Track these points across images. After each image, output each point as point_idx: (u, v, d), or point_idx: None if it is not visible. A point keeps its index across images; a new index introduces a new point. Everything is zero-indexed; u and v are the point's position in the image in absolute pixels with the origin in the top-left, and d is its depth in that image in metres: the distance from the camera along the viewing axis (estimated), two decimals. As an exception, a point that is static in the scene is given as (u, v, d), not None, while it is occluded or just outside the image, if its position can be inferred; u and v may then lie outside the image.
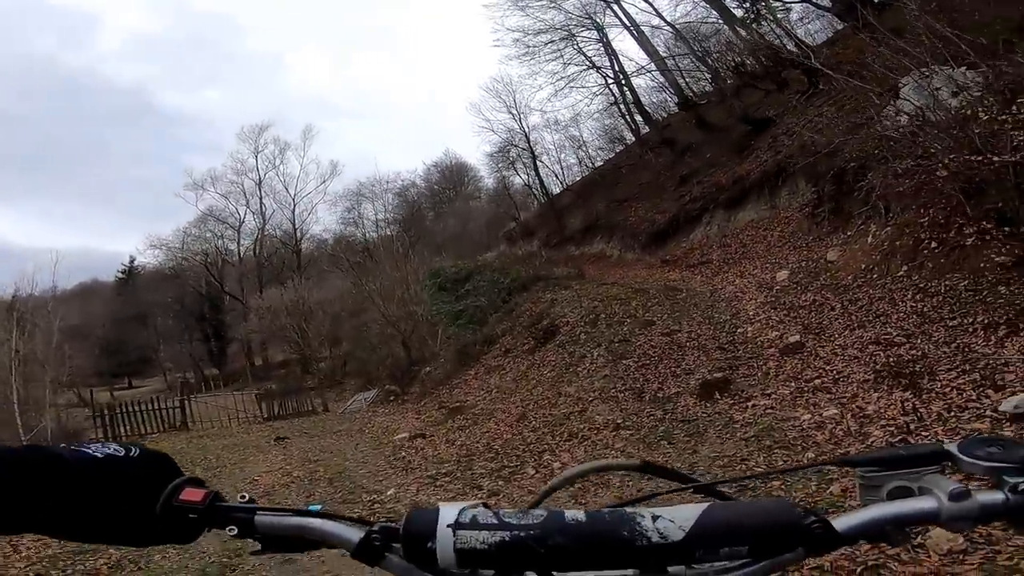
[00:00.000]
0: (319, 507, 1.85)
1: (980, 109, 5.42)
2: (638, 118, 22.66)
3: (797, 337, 6.78)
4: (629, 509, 0.49)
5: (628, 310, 9.75)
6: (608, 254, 17.61)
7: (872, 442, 4.21)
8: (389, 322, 15.48)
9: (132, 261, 39.27)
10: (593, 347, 8.71)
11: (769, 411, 5.59)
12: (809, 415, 5.13)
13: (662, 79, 20.39)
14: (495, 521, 0.47)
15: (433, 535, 0.47)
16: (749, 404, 5.86)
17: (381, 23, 72.17)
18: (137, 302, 35.28)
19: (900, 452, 0.51)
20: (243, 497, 0.57)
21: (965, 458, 0.48)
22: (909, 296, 5.94)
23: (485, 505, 0.51)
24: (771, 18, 16.63)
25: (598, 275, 14.24)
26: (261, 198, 35.23)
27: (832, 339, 6.33)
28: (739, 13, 17.08)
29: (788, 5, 17.17)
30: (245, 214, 35.36)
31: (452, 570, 0.48)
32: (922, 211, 6.25)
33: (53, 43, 64.32)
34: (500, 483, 5.71)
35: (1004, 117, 5.09)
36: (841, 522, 0.47)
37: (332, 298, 22.69)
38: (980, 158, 5.03)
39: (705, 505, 0.48)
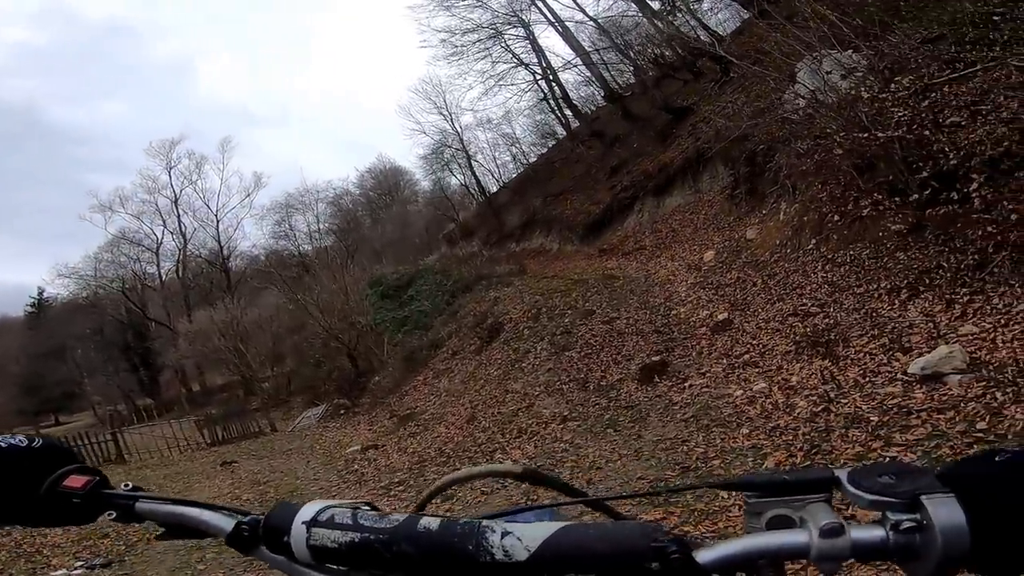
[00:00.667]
0: None
1: (863, 89, 5.87)
2: (567, 112, 23.05)
3: (725, 315, 7.10)
4: (486, 521, 0.47)
5: (569, 302, 9.95)
6: (548, 248, 17.86)
7: (798, 413, 4.47)
8: (332, 335, 15.11)
9: (41, 292, 36.47)
10: (536, 341, 8.83)
11: (705, 390, 5.81)
12: (741, 391, 5.37)
13: (588, 73, 20.82)
14: (349, 522, 0.48)
15: (288, 530, 0.48)
16: (686, 385, 6.08)
17: (297, 26, 69.41)
18: (52, 335, 32.60)
19: (785, 477, 0.45)
20: (127, 485, 0.60)
21: (851, 488, 0.43)
22: (819, 268, 6.38)
23: (370, 506, 0.52)
24: (685, 10, 17.31)
25: (539, 270, 14.42)
26: (179, 216, 33.36)
27: (756, 314, 6.70)
28: (656, 6, 17.65)
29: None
30: (163, 234, 33.39)
31: (307, 563, 0.49)
32: (823, 187, 6.71)
33: None
34: (453, 487, 5.70)
35: (885, 95, 5.54)
36: (706, 553, 0.42)
37: (269, 316, 21.86)
38: (868, 135, 5.45)
39: (560, 524, 0.45)
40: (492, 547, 0.44)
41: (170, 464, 13.27)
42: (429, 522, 0.47)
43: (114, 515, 0.58)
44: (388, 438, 9.01)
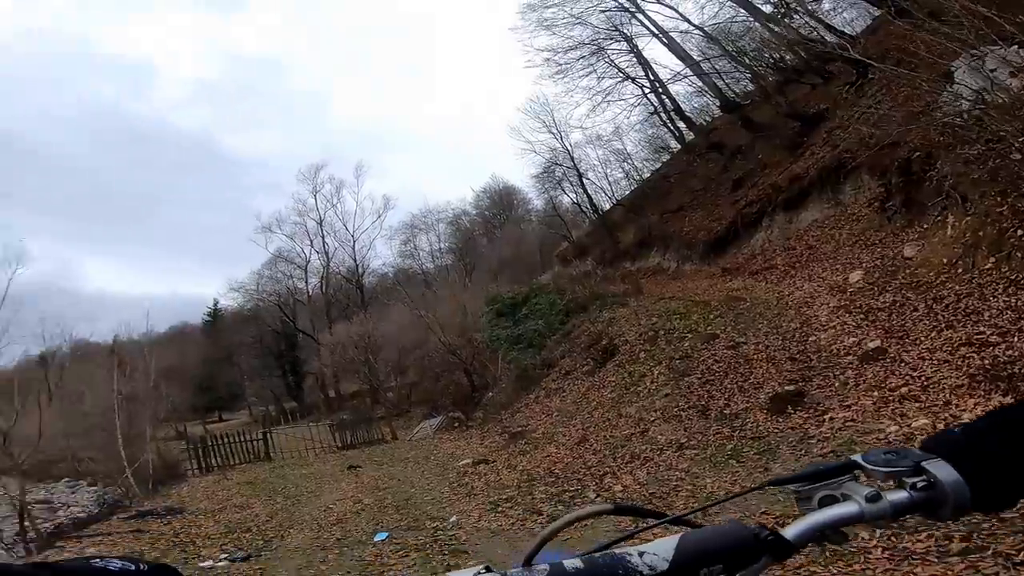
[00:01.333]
0: (386, 535, 4.17)
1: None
2: (681, 125, 22.07)
3: (878, 342, 6.24)
4: (617, 550, 0.53)
5: (689, 324, 9.37)
6: (665, 267, 17.10)
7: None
8: (450, 350, 15.65)
9: (216, 304, 41.90)
10: (653, 365, 8.40)
11: (849, 424, 5.16)
12: (896, 426, 4.68)
13: (700, 83, 19.84)
14: None
15: None
16: (826, 417, 5.43)
17: (415, 54, 74.08)
18: (223, 342, 37.50)
19: (820, 467, 0.59)
20: None
21: (870, 466, 0.57)
22: (1000, 290, 5.35)
23: (488, 568, 0.55)
24: (803, 11, 15.91)
25: (656, 290, 13.82)
26: (323, 237, 36.57)
27: (918, 342, 5.78)
28: (767, 9, 16.42)
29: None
30: (310, 253, 36.82)
31: None
32: (1001, 198, 5.65)
33: (113, 93, 69.22)
34: (560, 507, 5.55)
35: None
36: (789, 532, 0.55)
37: (396, 330, 23.25)
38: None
39: (677, 536, 0.54)
40: (638, 567, 0.52)
41: (306, 465, 14.48)
42: (573, 563, 0.53)
43: None
44: (498, 454, 9.04)
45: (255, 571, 5.52)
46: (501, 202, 37.52)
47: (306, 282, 36.94)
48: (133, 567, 0.56)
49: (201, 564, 5.95)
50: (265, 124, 70.57)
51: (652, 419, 6.80)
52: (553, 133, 24.21)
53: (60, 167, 59.88)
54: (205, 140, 65.77)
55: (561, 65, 21.55)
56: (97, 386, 15.00)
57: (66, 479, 18.82)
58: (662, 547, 0.53)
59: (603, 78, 21.60)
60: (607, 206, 25.19)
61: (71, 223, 60.86)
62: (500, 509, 6.11)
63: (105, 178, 62.52)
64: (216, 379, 36.84)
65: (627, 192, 24.98)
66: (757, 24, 16.72)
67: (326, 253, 36.67)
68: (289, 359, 36.50)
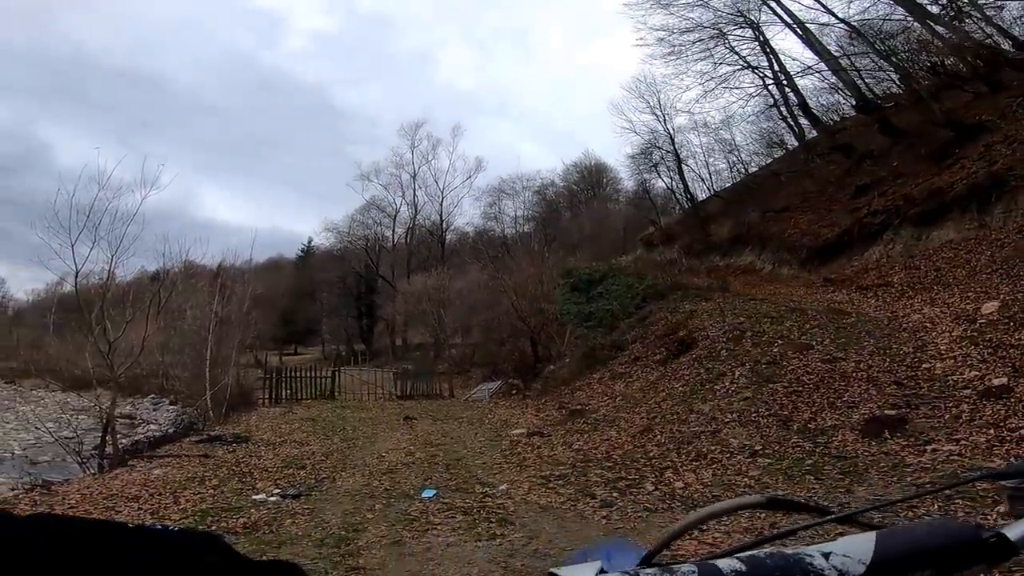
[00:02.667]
0: (433, 492, 4.01)
1: None
2: (803, 121, 20.24)
3: (1004, 380, 5.50)
4: (789, 551, 0.46)
5: (780, 330, 8.63)
6: (758, 267, 15.99)
7: None
8: (520, 317, 15.55)
9: (310, 242, 44.66)
10: (735, 365, 7.82)
11: (954, 458, 4.60)
12: (1010, 468, 4.02)
13: (834, 80, 17.98)
14: None
15: None
16: (928, 448, 4.86)
17: (520, 20, 73.30)
18: (310, 279, 39.86)
19: None
20: None
21: None
22: None
23: (602, 571, 0.49)
24: (979, 16, 13.81)
25: (745, 289, 12.94)
26: (415, 190, 38.00)
27: (1058, 388, 4.95)
28: (933, 9, 14.41)
29: (1001, 3, 14.09)
30: (400, 204, 38.41)
31: None
32: None
33: (252, 42, 75.38)
34: (615, 495, 5.27)
35: None
36: (1011, 532, 0.48)
37: (470, 288, 23.49)
38: None
39: (872, 535, 0.47)
40: (824, 570, 0.44)
41: (365, 409, 14.93)
42: (731, 564, 0.45)
43: None
44: (554, 429, 8.86)
45: (304, 510, 5.62)
46: (590, 178, 36.91)
47: (393, 231, 38.65)
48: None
49: (254, 496, 6.11)
50: (373, 79, 73.13)
51: (726, 420, 6.32)
52: (656, 115, 23.10)
53: (197, 105, 65.68)
54: (319, 91, 69.67)
55: (675, 46, 20.36)
56: (198, 307, 15.75)
57: (152, 395, 20.50)
58: (854, 547, 0.46)
59: (720, 64, 20.20)
60: (703, 196, 23.90)
61: (197, 154, 66.74)
62: (551, 485, 5.93)
63: (231, 119, 68.14)
64: (298, 313, 39.13)
65: (728, 184, 23.51)
66: (916, 24, 14.81)
67: (415, 206, 38.09)
68: (366, 302, 38.10)
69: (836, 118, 19.66)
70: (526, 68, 70.43)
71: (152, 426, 15.07)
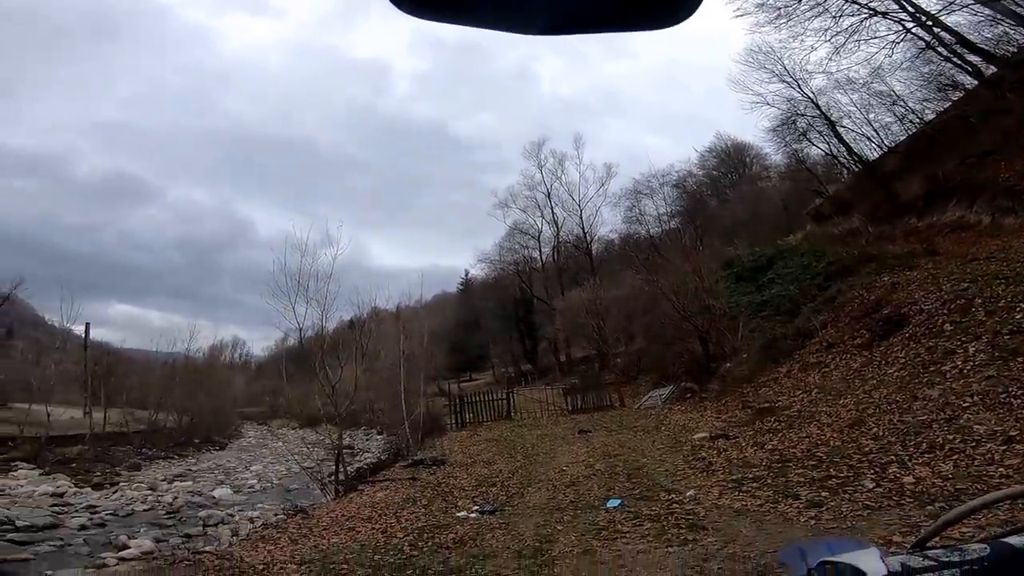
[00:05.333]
0: (619, 502, 5.57)
1: None
2: (972, 58, 16.48)
3: None
4: None
5: (1021, 292, 6.92)
6: (971, 222, 13.06)
7: None
8: (684, 316, 14.64)
9: (467, 274, 47.30)
10: (967, 340, 6.41)
11: None
12: None
13: (988, 11, 14.38)
14: (932, 563, 0.46)
15: None
16: None
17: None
18: (472, 308, 42.17)
19: None
20: None
21: None
22: None
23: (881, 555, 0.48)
24: None
25: (959, 250, 10.68)
26: (552, 208, 38.21)
27: None
28: None
29: None
30: (541, 224, 38.93)
31: None
32: None
33: (367, 92, 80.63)
34: (824, 494, 4.61)
35: None
36: None
37: (625, 295, 22.88)
38: None
39: None
40: None
41: (540, 426, 15.18)
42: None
43: None
44: (740, 430, 8.08)
45: (500, 524, 5.83)
46: (731, 160, 33.98)
47: (539, 251, 39.11)
48: None
49: (458, 514, 6.53)
50: (481, 107, 75.64)
51: (965, 405, 5.15)
52: (787, 82, 20.64)
53: (342, 162, 74.42)
54: (437, 128, 73.61)
55: (779, 9, 18.03)
56: (387, 346, 17.58)
57: (364, 427, 23.27)
58: None
59: (840, 16, 17.40)
60: (874, 155, 20.58)
61: (351, 208, 75.37)
62: (744, 488, 5.37)
63: (372, 169, 75.67)
64: (467, 341, 41.20)
65: (903, 138, 19.97)
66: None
67: (556, 223, 38.26)
68: (526, 323, 39.10)
69: (1012, 49, 15.72)
70: (627, 62, 67.42)
71: (367, 455, 17.24)
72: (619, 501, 5.85)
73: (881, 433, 5.45)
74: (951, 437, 4.71)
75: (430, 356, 19.86)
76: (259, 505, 10.72)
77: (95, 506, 10.13)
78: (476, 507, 6.66)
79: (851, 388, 7.25)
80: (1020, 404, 4.81)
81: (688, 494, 5.63)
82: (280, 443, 16.40)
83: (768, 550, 3.71)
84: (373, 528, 6.39)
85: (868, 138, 21.04)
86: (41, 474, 13.18)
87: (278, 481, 14.33)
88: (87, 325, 24.44)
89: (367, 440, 21.63)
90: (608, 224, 40.29)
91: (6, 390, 22.74)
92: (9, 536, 7.51)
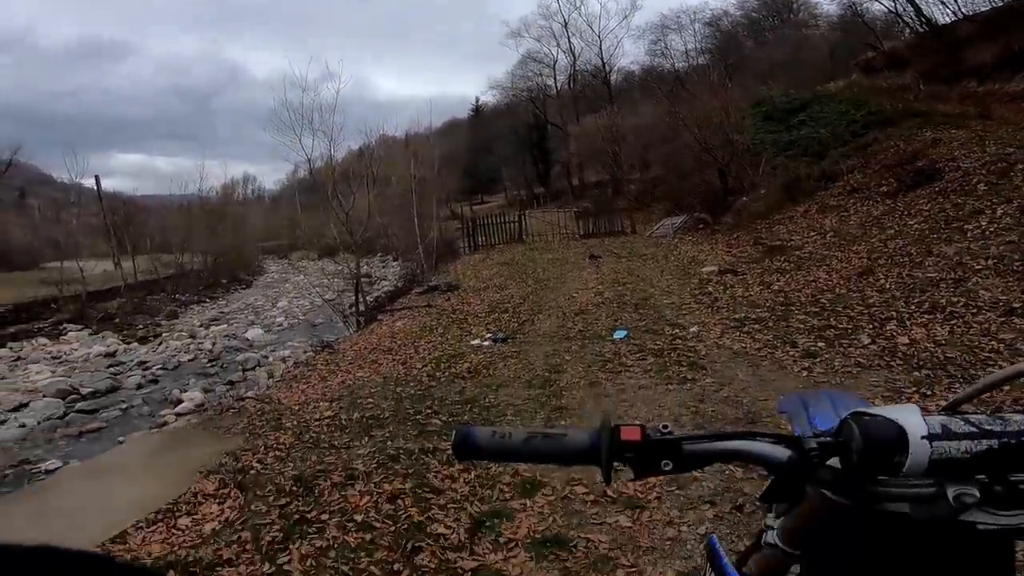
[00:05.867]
0: (624, 333, 5.84)
1: None
2: None
3: None
4: None
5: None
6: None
7: None
8: (704, 148, 13.99)
9: (478, 101, 46.26)
10: (998, 202, 6.12)
11: None
12: None
13: None
14: (975, 429, 0.45)
15: (904, 449, 0.45)
16: None
17: None
18: (483, 134, 41.66)
19: None
20: (664, 428, 0.55)
21: None
22: None
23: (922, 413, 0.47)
24: None
25: (1015, 118, 9.73)
26: (569, 38, 36.29)
27: None
28: None
29: None
30: (557, 54, 37.08)
31: (914, 481, 0.46)
32: None
33: None
34: (820, 344, 4.78)
35: None
36: None
37: (643, 124, 21.73)
38: None
39: None
40: None
41: (551, 250, 15.40)
42: None
43: (670, 466, 0.54)
44: (749, 266, 8.21)
45: (511, 352, 6.08)
46: (775, 3, 30.72)
47: (554, 79, 37.65)
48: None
49: (472, 342, 6.81)
50: None
51: (978, 268, 5.12)
52: None
53: None
54: None
55: None
56: (398, 173, 17.35)
57: (379, 253, 23.71)
58: None
59: None
60: (946, 20, 17.77)
61: (358, 42, 68.14)
62: (746, 329, 5.61)
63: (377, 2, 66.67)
64: (478, 166, 41.27)
65: (986, 8, 16.95)
66: None
67: (572, 53, 36.46)
68: (539, 148, 38.46)
69: None
70: None
71: (384, 282, 17.69)
72: (625, 332, 6.14)
73: (888, 286, 5.53)
74: (955, 300, 4.75)
75: (441, 180, 19.62)
76: (289, 344, 11.19)
77: (145, 362, 10.43)
78: (489, 335, 6.93)
79: (867, 235, 7.18)
80: (1032, 272, 4.76)
81: (691, 330, 5.89)
82: (302, 276, 16.94)
83: (760, 397, 3.95)
84: (394, 360, 6.70)
85: (943, 2, 18.11)
86: (90, 334, 13.52)
87: (303, 316, 14.83)
88: (97, 177, 23.86)
89: (383, 267, 22.29)
90: (630, 56, 38.01)
91: (35, 250, 22.93)
92: (79, 406, 7.71)
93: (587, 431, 0.55)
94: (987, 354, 3.91)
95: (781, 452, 0.51)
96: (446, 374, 5.61)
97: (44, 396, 8.06)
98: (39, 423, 7.08)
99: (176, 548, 2.82)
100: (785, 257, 7.89)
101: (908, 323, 4.71)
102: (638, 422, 0.55)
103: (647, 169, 21.53)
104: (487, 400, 4.69)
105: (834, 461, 0.49)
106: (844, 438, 0.48)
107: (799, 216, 9.67)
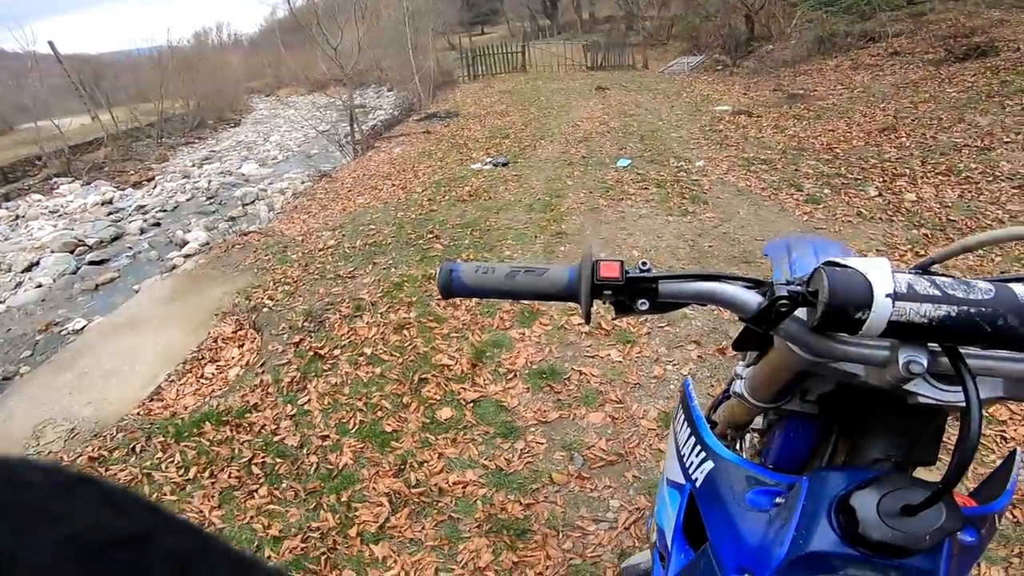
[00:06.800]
0: (628, 161, 5.94)
1: None
2: None
3: None
4: None
5: None
6: None
7: None
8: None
9: None
10: None
11: None
12: None
13: None
14: (938, 293, 0.41)
15: (867, 305, 0.41)
16: None
17: None
18: None
19: None
20: (643, 265, 0.52)
21: None
22: None
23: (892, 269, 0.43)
24: None
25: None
26: None
27: None
28: None
29: None
30: None
31: (869, 342, 0.44)
32: None
33: None
34: (826, 191, 4.64)
35: None
36: None
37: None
38: None
39: None
40: None
41: (556, 80, 14.30)
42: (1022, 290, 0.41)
43: (646, 305, 0.52)
44: (766, 110, 7.70)
45: (512, 176, 5.81)
46: None
47: None
48: None
49: (472, 166, 6.48)
50: None
51: (1006, 140, 4.82)
52: None
53: None
54: None
55: None
56: (390, 5, 15.46)
57: (373, 85, 21.62)
58: None
59: None
60: None
61: None
62: (753, 168, 5.38)
63: None
64: None
65: None
66: None
67: None
68: (546, -23, 33.64)
69: None
70: None
71: (380, 112, 16.67)
72: (629, 161, 5.90)
73: (908, 144, 5.24)
74: (973, 166, 4.53)
75: (437, 10, 17.42)
76: (286, 175, 10.75)
77: (143, 205, 10.00)
78: (489, 159, 6.64)
79: (899, 95, 6.65)
80: (1061, 149, 4.54)
81: (697, 164, 5.66)
82: (292, 111, 15.40)
83: (757, 237, 3.87)
84: (393, 185, 6.42)
85: None
86: (82, 184, 12.66)
87: (298, 148, 14.11)
88: (51, 43, 20.27)
89: (378, 98, 20.71)
90: None
91: (3, 115, 20.58)
92: (88, 257, 7.43)
93: (568, 267, 0.53)
94: (990, 221, 3.83)
95: (752, 297, 0.49)
96: (446, 198, 5.38)
97: (52, 251, 7.78)
98: (54, 280, 6.88)
99: (208, 399, 2.87)
100: (806, 105, 7.39)
101: (919, 181, 4.53)
102: (619, 258, 0.53)
103: (666, 6, 19.31)
104: (487, 223, 4.53)
105: (804, 312, 0.46)
106: (813, 287, 0.44)
107: (829, 70, 8.91)
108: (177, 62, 22.60)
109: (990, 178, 4.40)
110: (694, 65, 13.13)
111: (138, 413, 2.87)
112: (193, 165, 13.91)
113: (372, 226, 4.89)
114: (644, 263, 0.52)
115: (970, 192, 4.27)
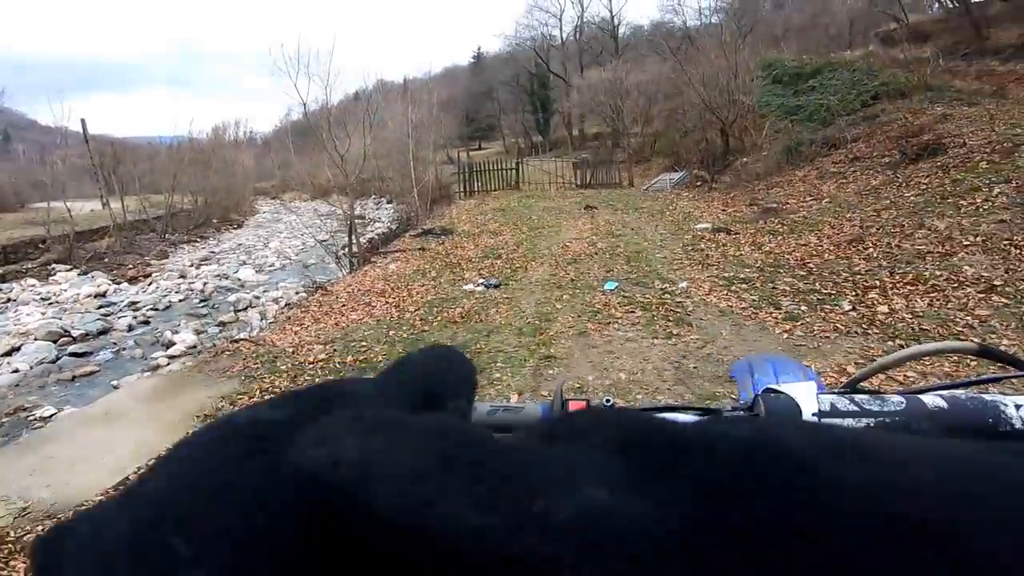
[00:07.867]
0: (615, 284, 5.94)
1: None
2: None
3: None
4: (988, 397, 0.47)
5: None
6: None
7: None
8: (709, 108, 13.56)
9: (479, 48, 46.42)
10: (996, 181, 5.98)
11: None
12: None
13: None
14: (856, 408, 0.46)
15: None
16: None
17: None
18: (485, 81, 40.53)
19: None
20: (607, 401, 0.57)
21: None
22: None
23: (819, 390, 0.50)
24: None
25: (1028, 100, 9.45)
26: (578, -12, 34.83)
27: None
28: None
29: None
30: (564, 3, 38.14)
31: None
32: None
33: None
34: (803, 308, 4.76)
35: None
36: None
37: (647, 80, 20.97)
38: None
39: None
40: (1011, 419, 0.45)
41: (548, 198, 15.08)
42: (935, 401, 0.46)
43: None
44: (743, 227, 8.10)
45: (503, 298, 6.04)
46: None
47: (560, 30, 36.63)
48: None
49: (464, 287, 6.73)
50: None
51: (966, 244, 5.06)
52: None
53: None
54: None
55: None
56: (395, 117, 16.66)
57: (374, 196, 22.97)
58: None
59: None
60: None
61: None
62: (733, 288, 5.58)
63: None
64: (477, 112, 40.62)
65: None
66: None
67: (580, 3, 37.37)
68: (540, 97, 37.26)
69: None
70: None
71: (378, 224, 17.29)
72: (616, 284, 6.13)
73: (876, 255, 5.48)
74: (938, 273, 4.71)
75: (439, 125, 18.92)
76: (281, 284, 10.74)
77: (136, 302, 9.95)
78: (482, 280, 6.85)
79: (862, 204, 7.06)
80: (1017, 254, 4.71)
81: (680, 286, 5.86)
82: (294, 216, 16.27)
83: (740, 356, 3.94)
84: (387, 303, 6.60)
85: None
86: (79, 274, 12.81)
87: (296, 256, 14.29)
88: (83, 120, 22.43)
89: (377, 209, 21.70)
90: (640, 10, 36.52)
91: (20, 191, 21.53)
92: (71, 349, 7.35)
93: (540, 405, 0.59)
94: (961, 328, 3.89)
95: None
96: (439, 318, 5.56)
97: (35, 339, 7.69)
98: (31, 367, 6.74)
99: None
100: (779, 220, 7.79)
101: (890, 293, 4.69)
102: (584, 397, 0.61)
103: (649, 124, 21.00)
104: (478, 346, 4.64)
105: None
106: (756, 412, 0.49)
107: (797, 180, 9.49)
108: (192, 155, 23.29)
109: (955, 284, 4.54)
110: (675, 182, 14.00)
111: (100, 499, 2.82)
112: (191, 265, 13.79)
113: (364, 343, 4.95)
114: (608, 399, 0.58)
115: (938, 300, 4.39)
